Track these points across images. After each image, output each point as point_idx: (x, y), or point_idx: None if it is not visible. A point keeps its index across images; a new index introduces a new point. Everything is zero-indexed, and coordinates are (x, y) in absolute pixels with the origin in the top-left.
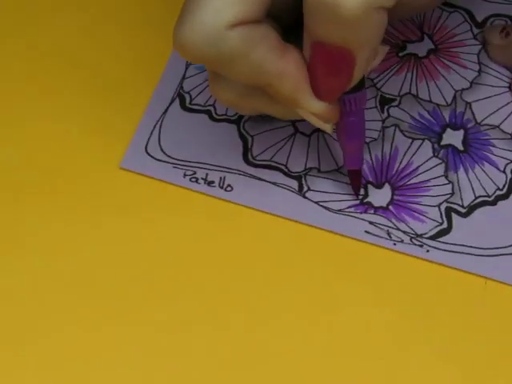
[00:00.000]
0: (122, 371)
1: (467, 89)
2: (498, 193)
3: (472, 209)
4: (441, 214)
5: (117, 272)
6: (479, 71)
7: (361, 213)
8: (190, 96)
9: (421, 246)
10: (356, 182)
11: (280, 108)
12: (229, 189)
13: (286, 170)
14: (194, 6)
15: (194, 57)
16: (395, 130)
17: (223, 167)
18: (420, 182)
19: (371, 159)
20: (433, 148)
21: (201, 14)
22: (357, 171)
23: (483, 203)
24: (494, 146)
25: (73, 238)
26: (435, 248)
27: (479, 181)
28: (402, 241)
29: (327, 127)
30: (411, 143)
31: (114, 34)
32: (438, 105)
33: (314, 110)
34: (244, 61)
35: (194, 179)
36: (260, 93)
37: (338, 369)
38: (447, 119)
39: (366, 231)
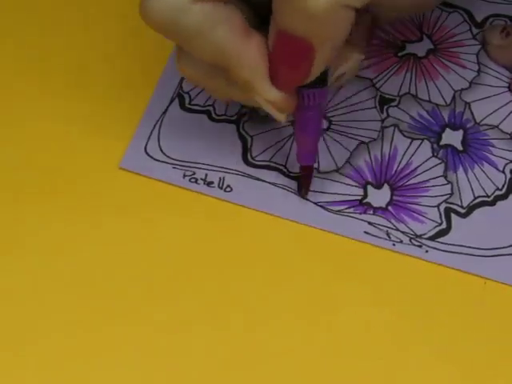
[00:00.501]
0: (122, 371)
1: (466, 89)
2: (497, 193)
3: (471, 209)
4: (440, 214)
5: (117, 272)
6: (478, 71)
7: (360, 213)
8: (190, 96)
9: (420, 246)
10: (306, 180)
11: (239, 93)
12: (228, 189)
13: (285, 170)
14: None
15: (156, 25)
16: (394, 130)
17: (222, 167)
18: (419, 183)
19: (370, 159)
20: (432, 148)
21: None
22: (308, 168)
23: (482, 203)
24: (493, 146)
25: (73, 238)
26: (434, 248)
27: (478, 181)
28: (401, 241)
29: (281, 117)
30: (410, 143)
31: (114, 34)
32: (437, 105)
33: (270, 97)
34: (204, 37)
35: (193, 179)
36: (222, 74)
37: (338, 369)
38: (446, 119)
39: (365, 232)
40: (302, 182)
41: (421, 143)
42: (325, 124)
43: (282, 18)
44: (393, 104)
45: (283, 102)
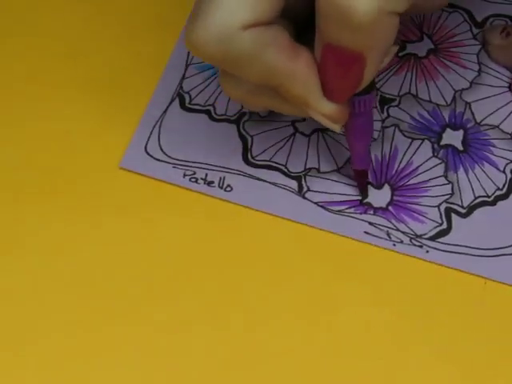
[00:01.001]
0: (122, 371)
1: (467, 89)
2: (498, 193)
3: (472, 209)
4: (440, 214)
5: (117, 272)
6: (479, 71)
7: (360, 213)
8: (190, 96)
9: (420, 246)
10: (362, 183)
11: (290, 107)
12: (228, 189)
13: (285, 170)
14: (209, 5)
15: (205, 56)
16: (395, 130)
17: (223, 167)
18: (420, 183)
19: (371, 160)
20: (432, 148)
21: (215, 13)
22: (363, 171)
23: (483, 203)
24: (493, 146)
25: (73, 238)
26: (435, 248)
27: (479, 181)
28: (401, 241)
29: (336, 127)
30: (411, 143)
31: (114, 34)
32: (437, 105)
33: (324, 110)
34: (255, 62)
35: (193, 179)
36: (270, 91)
37: (338, 369)
38: (447, 119)
39: (365, 232)
40: (360, 186)
41: (421, 143)
42: None
43: (327, 31)
44: (393, 104)
45: (337, 113)
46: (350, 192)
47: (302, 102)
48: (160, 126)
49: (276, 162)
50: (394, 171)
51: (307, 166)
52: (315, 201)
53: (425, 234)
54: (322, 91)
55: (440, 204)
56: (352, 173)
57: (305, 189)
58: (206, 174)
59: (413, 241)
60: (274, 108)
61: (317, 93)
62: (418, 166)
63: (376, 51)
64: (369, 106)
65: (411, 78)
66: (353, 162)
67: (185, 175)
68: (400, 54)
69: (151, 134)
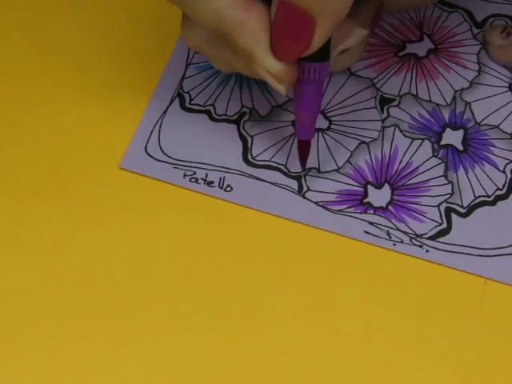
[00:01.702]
0: (122, 371)
1: (467, 89)
2: (498, 193)
3: (472, 209)
4: (440, 214)
5: (117, 272)
6: (479, 71)
7: (360, 213)
8: (190, 96)
9: (420, 246)
10: (304, 154)
11: (242, 62)
12: (228, 189)
13: (285, 170)
14: None
15: None
16: (395, 130)
17: (223, 167)
18: (420, 182)
19: (371, 159)
20: (432, 148)
21: None
22: (306, 142)
23: (483, 203)
24: (493, 145)
25: (73, 238)
26: (435, 248)
27: (479, 181)
28: (401, 241)
29: (281, 88)
30: (411, 143)
31: (114, 34)
32: (437, 105)
33: (269, 67)
34: (206, 3)
35: (193, 179)
36: (224, 43)
37: (338, 369)
38: (447, 119)
39: (365, 231)
40: (301, 157)
41: (421, 143)
42: (325, 124)
43: None
44: (393, 104)
45: (283, 73)
46: (350, 192)
47: (248, 55)
48: (160, 127)
49: (276, 162)
50: (394, 171)
51: (307, 166)
52: (315, 200)
53: (425, 234)
54: (269, 48)
55: (440, 204)
56: (352, 172)
57: (305, 188)
58: (206, 174)
59: (413, 240)
60: (227, 62)
61: (264, 47)
62: (418, 166)
63: (326, 17)
64: (319, 75)
65: (411, 78)
66: (296, 130)
67: (185, 175)
68: (400, 54)
69: (151, 134)
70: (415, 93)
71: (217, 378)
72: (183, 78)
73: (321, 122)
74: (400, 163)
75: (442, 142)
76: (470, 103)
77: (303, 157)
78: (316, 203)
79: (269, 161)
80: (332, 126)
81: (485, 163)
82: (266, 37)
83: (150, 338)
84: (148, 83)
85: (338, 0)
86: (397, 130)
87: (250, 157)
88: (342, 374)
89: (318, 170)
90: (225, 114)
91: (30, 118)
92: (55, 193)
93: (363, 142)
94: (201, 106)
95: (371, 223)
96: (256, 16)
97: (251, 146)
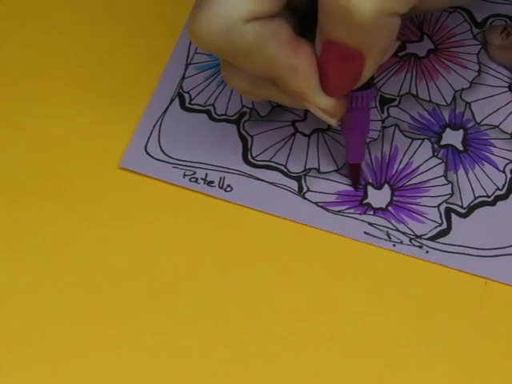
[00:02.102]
0: (122, 371)
1: (467, 89)
2: (498, 193)
3: (472, 209)
4: (440, 214)
5: (117, 271)
6: (479, 71)
7: (360, 214)
8: (190, 96)
9: (420, 246)
10: (355, 176)
11: (289, 99)
12: (228, 189)
13: (285, 170)
14: None
15: (207, 47)
16: (395, 130)
17: (223, 167)
18: (419, 183)
19: (371, 159)
20: (432, 148)
21: (218, 5)
22: (357, 165)
23: (483, 203)
24: (493, 146)
25: (73, 238)
26: (435, 249)
27: (479, 181)
28: (401, 242)
29: (332, 121)
30: (411, 143)
31: (114, 34)
32: (437, 105)
33: (322, 105)
34: (256, 54)
35: (193, 179)
36: (271, 83)
37: (338, 369)
38: (447, 119)
39: (365, 232)
40: (352, 179)
41: (421, 143)
42: (325, 124)
43: (328, 28)
44: (393, 104)
45: (335, 108)
46: (349, 192)
47: (300, 96)
48: (160, 126)
49: (276, 162)
50: (393, 171)
51: (307, 166)
52: (315, 201)
53: (425, 235)
54: (320, 86)
55: (440, 204)
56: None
57: (305, 189)
58: (206, 174)
59: (413, 241)
60: (274, 99)
61: (315, 87)
62: (418, 166)
63: (375, 50)
64: (366, 101)
65: (411, 78)
66: (347, 155)
67: (185, 175)
68: (400, 54)
69: (151, 133)
70: (415, 93)
71: (217, 378)
72: (183, 77)
73: (320, 122)
74: (400, 163)
75: (442, 142)
76: (469, 103)
77: (355, 179)
78: (316, 204)
79: (269, 161)
80: (332, 126)
81: (485, 163)
82: (316, 77)
83: (149, 337)
84: (148, 83)
85: (384, 34)
86: (397, 130)
87: (249, 157)
88: (342, 374)
89: (318, 171)
90: (225, 114)
91: (30, 118)
92: (55, 192)
93: None
94: (201, 105)
95: (371, 224)
96: (306, 58)
97: (251, 146)
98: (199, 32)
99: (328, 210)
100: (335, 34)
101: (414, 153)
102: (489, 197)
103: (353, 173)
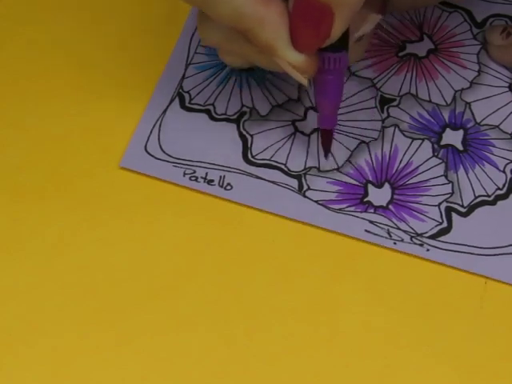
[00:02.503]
0: (122, 371)
1: (467, 89)
2: (498, 192)
3: (472, 208)
4: (441, 213)
5: (117, 271)
6: (479, 71)
7: (361, 212)
8: (190, 95)
9: (421, 245)
10: (326, 143)
11: (263, 58)
12: (228, 188)
13: (285, 169)
14: None
15: None
16: (395, 130)
17: (223, 166)
18: (420, 182)
19: (371, 159)
20: (432, 148)
21: None
22: (328, 131)
23: (483, 203)
24: (493, 145)
25: (73, 238)
26: (435, 247)
27: (479, 180)
28: (402, 240)
29: (303, 79)
30: (411, 143)
31: (114, 34)
32: (437, 105)
33: (292, 59)
34: (227, 2)
35: (193, 178)
36: (244, 39)
37: (338, 369)
38: (447, 119)
39: (366, 230)
40: (324, 146)
41: (421, 143)
42: None
43: None
44: (393, 104)
45: (304, 64)
46: (350, 190)
47: (269, 50)
48: (160, 126)
49: (276, 161)
50: (394, 170)
51: (307, 165)
52: (315, 199)
53: (425, 233)
54: (290, 40)
55: (440, 203)
56: (352, 171)
57: (305, 187)
58: (206, 173)
59: (413, 239)
60: (249, 57)
61: (285, 41)
62: (418, 166)
63: (345, 8)
64: (339, 65)
65: (411, 78)
66: (318, 120)
67: (185, 174)
68: (400, 54)
69: (151, 133)
70: (415, 93)
71: (217, 377)
72: (183, 77)
73: None
74: (400, 163)
75: (442, 142)
76: (469, 103)
77: (326, 146)
78: (316, 202)
79: (269, 160)
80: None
81: (485, 163)
82: (286, 30)
83: (150, 337)
84: (148, 82)
85: None
86: (397, 130)
87: (250, 155)
88: (342, 374)
89: (318, 169)
90: (225, 114)
91: (30, 117)
92: (55, 192)
93: (363, 142)
94: (201, 105)
95: (371, 222)
96: (275, 10)
97: (251, 145)
98: None
99: (329, 208)
100: None
101: (414, 153)
102: (489, 196)
103: (324, 140)
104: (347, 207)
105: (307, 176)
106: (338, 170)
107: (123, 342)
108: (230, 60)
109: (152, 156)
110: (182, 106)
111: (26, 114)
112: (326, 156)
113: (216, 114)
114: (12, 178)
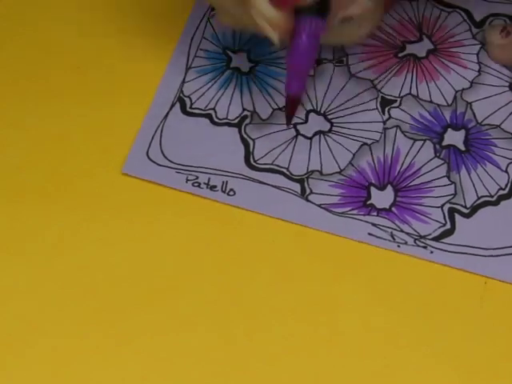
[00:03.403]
0: (122, 371)
1: (467, 89)
2: (501, 192)
3: (475, 209)
4: (444, 214)
5: (116, 271)
6: (479, 71)
7: (364, 215)
8: (191, 100)
9: (425, 247)
10: (290, 110)
11: (248, 16)
12: (231, 193)
13: (288, 173)
14: None
15: None
16: (396, 131)
17: (225, 171)
18: (422, 183)
19: (373, 161)
20: (434, 149)
21: None
22: (294, 98)
23: (486, 203)
24: (495, 145)
25: (73, 238)
26: (439, 249)
27: (481, 181)
28: (405, 242)
29: (274, 36)
30: (413, 144)
31: (115, 37)
32: (438, 105)
33: (265, 12)
34: None
35: (196, 184)
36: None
37: (338, 369)
38: (448, 119)
39: (369, 233)
40: (287, 113)
41: (423, 144)
42: (326, 126)
43: None
44: (394, 105)
45: (277, 19)
46: (353, 193)
47: (248, 1)
48: (161, 131)
49: (278, 165)
50: (396, 172)
51: (309, 169)
52: (318, 203)
53: (429, 235)
54: None
55: (443, 204)
56: (354, 174)
57: (308, 191)
58: (209, 179)
59: (417, 242)
60: (238, 16)
61: None
62: (421, 167)
63: None
64: (315, 28)
65: (411, 79)
66: (286, 83)
67: (187, 180)
68: (400, 55)
69: (153, 139)
70: (416, 94)
71: (217, 378)
72: (183, 81)
73: (322, 125)
74: (402, 164)
75: (444, 143)
76: (470, 103)
77: (289, 112)
78: (319, 206)
79: (271, 164)
80: (333, 128)
81: (487, 163)
82: None
83: (150, 338)
84: (148, 88)
85: None
86: (398, 132)
87: (252, 160)
88: (342, 373)
89: (321, 173)
90: (226, 118)
91: (30, 118)
92: (55, 193)
93: (365, 144)
94: (202, 109)
95: (375, 225)
96: None
97: (253, 150)
98: None
99: (331, 212)
100: None
101: (416, 154)
102: (492, 196)
103: (288, 105)
104: (350, 210)
105: (310, 180)
106: (340, 172)
107: (123, 342)
108: (225, 20)
109: (154, 162)
110: (183, 110)
111: (26, 114)
112: (287, 124)
113: (217, 118)
114: (12, 178)
